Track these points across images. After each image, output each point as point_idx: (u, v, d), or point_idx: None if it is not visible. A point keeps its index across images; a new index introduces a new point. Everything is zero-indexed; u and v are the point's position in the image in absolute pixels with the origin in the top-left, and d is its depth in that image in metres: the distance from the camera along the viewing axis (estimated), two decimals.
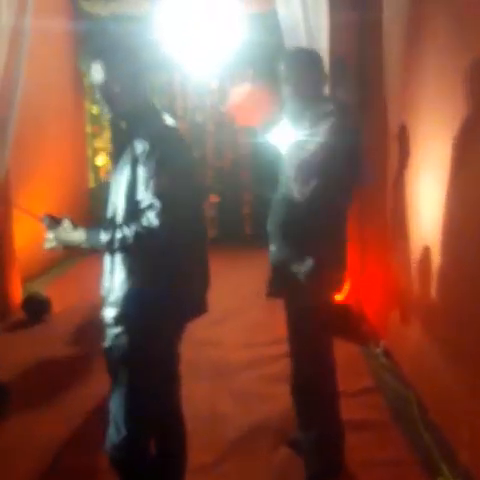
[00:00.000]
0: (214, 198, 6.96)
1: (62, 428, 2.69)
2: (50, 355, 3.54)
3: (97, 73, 1.73)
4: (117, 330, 1.74)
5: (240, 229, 6.88)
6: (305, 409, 2.23)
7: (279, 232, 2.11)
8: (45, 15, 4.59)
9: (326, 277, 2.05)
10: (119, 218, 1.72)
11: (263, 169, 6.12)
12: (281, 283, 2.15)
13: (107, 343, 1.78)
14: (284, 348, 3.48)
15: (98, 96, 1.78)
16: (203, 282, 1.88)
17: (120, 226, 1.67)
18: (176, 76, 6.66)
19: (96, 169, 6.97)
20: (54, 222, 1.77)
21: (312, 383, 2.17)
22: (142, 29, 5.71)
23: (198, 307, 1.86)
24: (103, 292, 1.80)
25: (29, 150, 4.91)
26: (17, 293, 4.29)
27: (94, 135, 6.85)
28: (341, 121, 1.99)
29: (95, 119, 6.89)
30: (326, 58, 3.46)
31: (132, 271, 1.71)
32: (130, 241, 1.63)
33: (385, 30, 3.05)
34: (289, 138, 2.07)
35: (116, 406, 1.78)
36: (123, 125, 1.82)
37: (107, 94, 1.74)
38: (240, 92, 6.36)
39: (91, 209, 6.79)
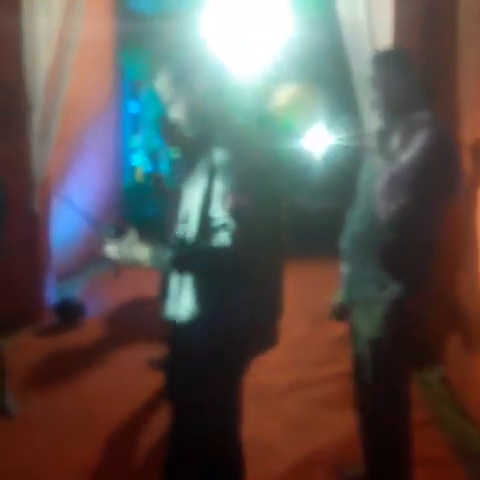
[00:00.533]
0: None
1: (96, 441, 2.56)
2: (82, 362, 3.41)
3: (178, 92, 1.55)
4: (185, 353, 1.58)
5: None
6: (379, 457, 2.00)
7: (357, 252, 1.89)
8: (88, 10, 4.48)
9: (412, 307, 1.82)
10: (190, 236, 1.54)
11: (300, 174, 5.98)
12: (353, 307, 1.93)
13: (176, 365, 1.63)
14: (333, 368, 3.33)
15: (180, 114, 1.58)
16: (277, 309, 1.67)
17: (189, 246, 1.52)
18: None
19: (132, 169, 6.85)
20: (118, 233, 1.60)
21: (393, 431, 1.94)
22: (187, 27, 5.59)
23: (271, 338, 1.66)
24: (168, 316, 1.62)
25: (66, 147, 4.78)
26: (50, 296, 4.15)
27: (131, 134, 6.73)
28: (439, 130, 1.75)
29: (133, 118, 6.77)
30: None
31: (202, 295, 1.54)
32: (199, 262, 1.49)
33: (461, 28, 2.80)
34: (376, 149, 1.85)
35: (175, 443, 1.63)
36: (196, 131, 1.61)
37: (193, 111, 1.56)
38: (286, 93, 6.22)
39: (125, 210, 6.69)
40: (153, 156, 6.97)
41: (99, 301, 4.30)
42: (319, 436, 2.61)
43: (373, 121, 3.23)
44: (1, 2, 3.55)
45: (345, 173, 6.25)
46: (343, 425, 2.66)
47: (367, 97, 3.24)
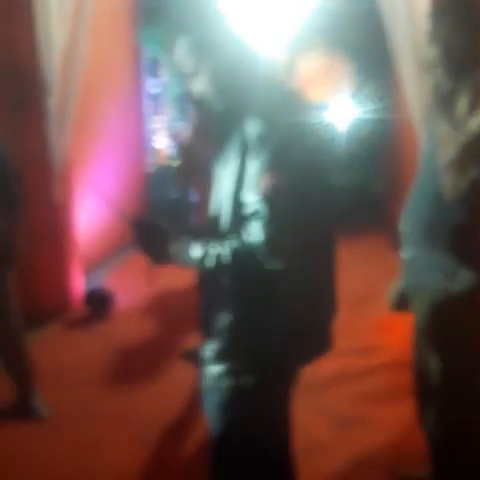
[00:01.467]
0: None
1: (135, 442, 2.43)
2: (115, 355, 3.27)
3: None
4: (219, 369, 1.38)
5: None
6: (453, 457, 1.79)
7: (420, 236, 1.65)
8: None
9: None
10: (222, 225, 1.33)
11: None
12: (416, 297, 1.72)
13: (205, 383, 1.42)
14: (378, 358, 3.14)
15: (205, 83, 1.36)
16: (329, 310, 1.45)
17: (217, 239, 1.30)
18: None
19: (155, 151, 6.66)
20: (146, 228, 1.43)
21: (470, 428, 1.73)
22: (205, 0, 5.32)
23: (323, 343, 1.45)
24: (201, 320, 1.44)
25: (85, 130, 4.61)
26: (79, 286, 4.03)
27: (152, 114, 6.52)
28: None
29: (154, 97, 6.55)
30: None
31: (240, 296, 1.34)
32: (227, 260, 1.27)
33: None
34: (439, 115, 1.59)
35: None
36: (225, 103, 1.38)
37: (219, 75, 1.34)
38: (311, 65, 5.93)
39: (149, 195, 6.52)
40: (175, 137, 6.76)
41: (128, 291, 4.16)
42: (369, 433, 2.44)
43: (412, 88, 2.98)
44: None
45: (370, 147, 6.04)
46: (394, 421, 2.50)
47: (405, 62, 3.00)
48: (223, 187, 1.33)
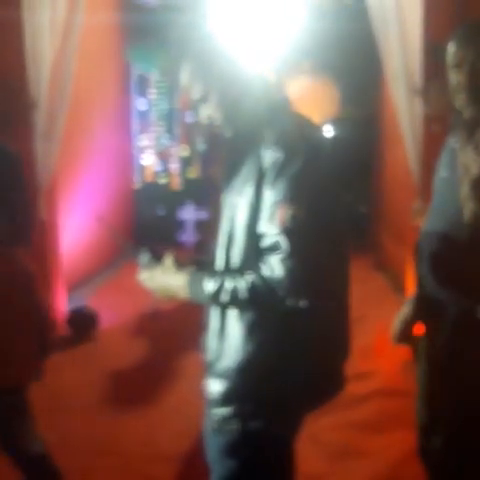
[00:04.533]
0: None
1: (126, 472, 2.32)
2: (99, 378, 3.17)
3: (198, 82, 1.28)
4: (225, 411, 1.28)
5: None
6: None
7: (437, 265, 1.59)
8: (93, 4, 4.24)
9: None
10: (234, 258, 1.25)
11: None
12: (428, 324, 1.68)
13: (209, 425, 1.33)
14: (368, 385, 3.09)
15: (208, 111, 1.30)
16: (345, 350, 1.36)
17: (232, 273, 1.21)
18: None
19: (142, 169, 6.61)
20: (153, 258, 1.35)
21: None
22: (193, 19, 5.34)
23: (338, 385, 1.36)
24: (207, 357, 1.33)
25: (72, 147, 4.55)
26: (62, 306, 3.92)
27: (140, 132, 6.49)
28: None
29: (141, 115, 6.53)
30: (418, 47, 3.00)
31: (251, 333, 1.24)
32: (244, 295, 1.18)
33: None
34: (462, 140, 1.56)
35: None
36: (236, 129, 1.31)
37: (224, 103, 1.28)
38: (299, 86, 5.96)
39: (136, 212, 6.46)
40: (163, 155, 6.74)
41: (111, 310, 4.07)
42: (365, 464, 2.36)
43: (403, 110, 3.00)
44: None
45: (355, 167, 6.08)
46: (389, 450, 2.43)
47: (397, 85, 3.02)
48: (236, 216, 1.25)
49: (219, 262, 1.28)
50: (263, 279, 1.16)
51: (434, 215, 1.68)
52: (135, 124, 6.45)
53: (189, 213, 6.63)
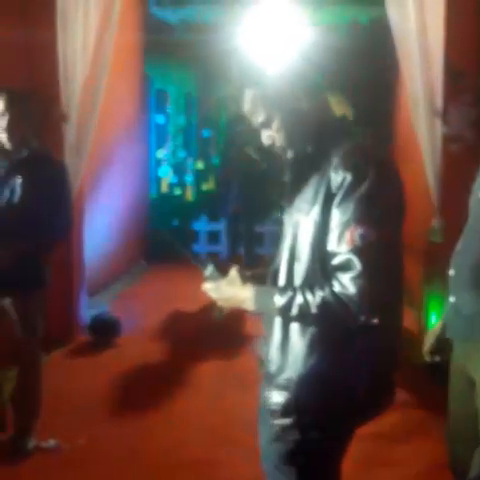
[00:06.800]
0: None
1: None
2: (122, 383, 3.26)
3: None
4: (285, 421, 1.34)
5: None
6: None
7: (468, 281, 1.60)
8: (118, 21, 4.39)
9: None
10: (298, 274, 1.29)
11: None
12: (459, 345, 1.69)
13: (268, 435, 1.38)
14: (396, 395, 3.07)
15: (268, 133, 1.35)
16: (397, 361, 1.40)
17: (301, 288, 1.25)
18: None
19: (158, 180, 6.75)
20: (218, 272, 1.43)
21: None
22: (214, 38, 5.49)
23: (390, 397, 1.40)
24: (269, 369, 1.37)
25: (93, 157, 4.68)
26: (84, 312, 4.02)
27: (157, 145, 6.63)
28: None
29: (159, 129, 6.68)
30: (440, 69, 3.11)
31: (315, 347, 1.29)
32: (313, 310, 1.22)
33: None
34: None
35: None
36: (302, 149, 1.35)
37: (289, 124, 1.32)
38: None
39: (151, 221, 6.60)
40: (178, 167, 6.88)
41: (132, 317, 4.16)
42: (388, 475, 2.39)
43: (424, 131, 3.10)
44: (37, 16, 3.47)
45: None
46: (412, 461, 2.48)
47: (421, 106, 3.12)
48: (300, 234, 1.30)
49: (282, 276, 1.34)
50: (335, 296, 1.19)
51: (470, 234, 1.68)
52: (152, 137, 6.60)
53: (202, 224, 6.77)
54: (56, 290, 3.71)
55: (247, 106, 1.37)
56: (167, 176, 6.72)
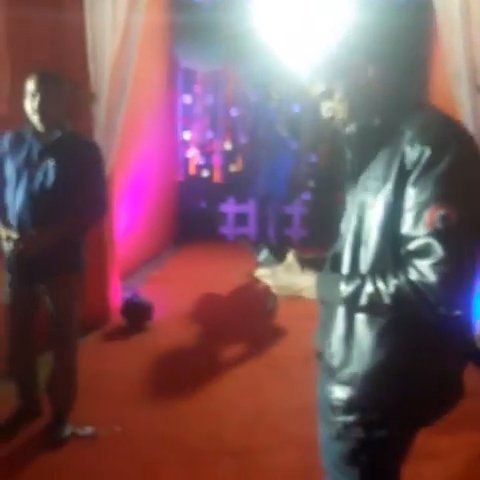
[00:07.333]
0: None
1: (186, 468, 2.36)
2: (154, 369, 3.25)
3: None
4: (348, 418, 1.26)
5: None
6: None
7: None
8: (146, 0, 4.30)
9: None
10: (365, 259, 1.18)
11: None
12: None
13: (329, 432, 1.31)
14: None
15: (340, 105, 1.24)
16: (467, 357, 1.30)
17: (371, 276, 1.12)
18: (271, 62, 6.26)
19: (186, 162, 6.68)
20: (274, 257, 1.35)
21: None
22: (239, 16, 5.35)
23: (458, 394, 1.28)
24: (331, 363, 1.28)
25: (123, 139, 4.63)
26: (117, 296, 4.02)
27: (184, 126, 6.56)
28: None
29: (186, 110, 6.59)
30: None
31: (384, 340, 1.18)
32: (386, 300, 1.09)
33: None
34: None
35: None
36: (368, 121, 1.23)
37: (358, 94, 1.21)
38: None
39: (180, 203, 6.57)
40: (205, 148, 6.80)
41: (160, 301, 4.14)
42: (432, 466, 2.33)
43: (466, 107, 2.96)
44: None
45: None
46: (457, 452, 2.42)
47: (463, 81, 2.98)
48: (368, 216, 1.17)
49: (346, 262, 1.23)
50: (412, 284, 1.07)
51: None
52: (180, 118, 6.52)
53: (230, 206, 6.71)
54: (90, 274, 3.75)
55: (306, 75, 1.26)
56: (194, 157, 6.65)
